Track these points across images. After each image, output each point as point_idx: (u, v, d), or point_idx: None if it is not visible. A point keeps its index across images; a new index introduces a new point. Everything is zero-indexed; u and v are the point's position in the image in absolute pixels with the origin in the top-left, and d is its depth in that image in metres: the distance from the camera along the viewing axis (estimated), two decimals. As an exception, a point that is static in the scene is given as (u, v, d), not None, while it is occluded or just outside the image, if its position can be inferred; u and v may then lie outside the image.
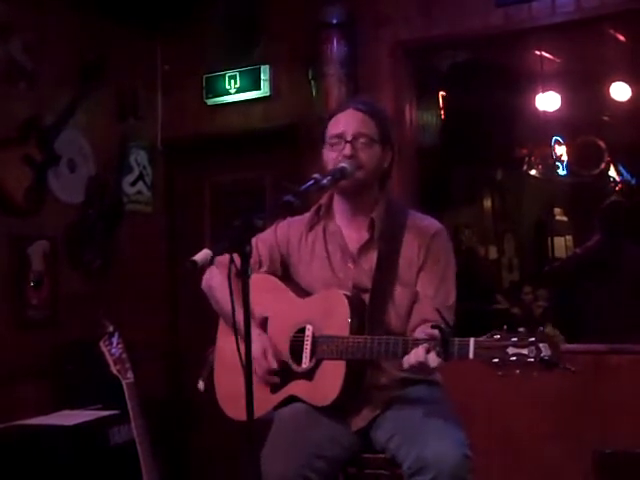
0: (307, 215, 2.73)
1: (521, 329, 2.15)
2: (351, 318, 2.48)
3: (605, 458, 2.90)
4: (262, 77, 4.91)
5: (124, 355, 3.36)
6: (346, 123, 2.58)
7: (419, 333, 2.43)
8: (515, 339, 2.12)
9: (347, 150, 2.54)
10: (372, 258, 2.59)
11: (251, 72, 4.94)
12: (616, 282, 4.47)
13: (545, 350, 2.08)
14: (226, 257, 2.11)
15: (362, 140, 2.57)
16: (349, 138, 2.55)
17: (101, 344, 3.36)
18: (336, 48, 4.51)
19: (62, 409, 3.99)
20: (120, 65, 4.85)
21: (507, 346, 2.12)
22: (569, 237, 7.56)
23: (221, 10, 5.06)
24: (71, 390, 4.25)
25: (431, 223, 2.65)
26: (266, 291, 2.65)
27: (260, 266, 2.73)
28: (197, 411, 4.89)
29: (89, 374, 3.97)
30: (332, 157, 2.58)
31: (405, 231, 2.60)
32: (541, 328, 2.15)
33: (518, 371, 2.10)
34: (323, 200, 2.72)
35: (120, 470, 3.53)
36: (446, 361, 2.23)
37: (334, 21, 4.51)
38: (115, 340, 3.37)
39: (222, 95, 5.05)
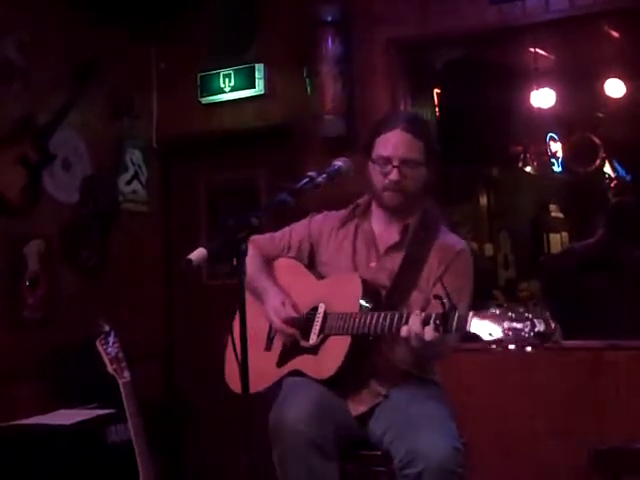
0: (343, 211, 2.83)
1: (520, 307, 2.17)
2: (362, 297, 2.55)
3: (602, 455, 2.90)
4: (257, 75, 4.90)
5: (120, 354, 3.37)
6: (395, 147, 2.61)
7: None
8: (512, 314, 2.14)
9: (394, 175, 2.60)
10: (397, 259, 2.65)
11: (246, 70, 4.93)
12: (618, 280, 4.46)
13: (539, 325, 2.10)
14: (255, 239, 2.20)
15: (409, 165, 2.61)
16: (396, 163, 2.60)
17: (97, 343, 3.36)
18: (331, 46, 4.51)
19: (59, 408, 3.98)
20: (115, 64, 4.83)
21: (503, 320, 2.14)
22: (565, 233, 7.57)
23: (216, 9, 5.05)
24: (68, 389, 4.24)
25: (456, 242, 2.72)
26: (289, 274, 2.80)
27: (288, 251, 2.85)
28: (193, 410, 4.90)
29: (85, 373, 3.96)
30: (379, 179, 2.64)
31: (434, 244, 2.65)
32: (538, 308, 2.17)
33: (512, 346, 2.12)
34: (361, 200, 2.80)
35: (117, 469, 3.53)
36: (444, 333, 2.26)
37: (329, 19, 4.52)
38: (111, 339, 3.38)
39: (217, 94, 5.04)
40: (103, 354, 3.34)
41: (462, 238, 2.84)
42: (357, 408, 2.58)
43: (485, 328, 2.16)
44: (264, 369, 2.29)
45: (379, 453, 2.52)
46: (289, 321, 2.65)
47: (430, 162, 2.67)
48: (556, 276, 4.82)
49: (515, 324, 2.12)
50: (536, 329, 2.10)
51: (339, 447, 2.47)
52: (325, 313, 2.62)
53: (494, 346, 2.14)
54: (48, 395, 4.24)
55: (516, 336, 2.11)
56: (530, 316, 2.11)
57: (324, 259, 2.79)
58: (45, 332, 4.37)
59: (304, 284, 2.75)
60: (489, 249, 6.99)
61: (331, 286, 2.68)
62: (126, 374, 3.34)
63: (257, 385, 2.14)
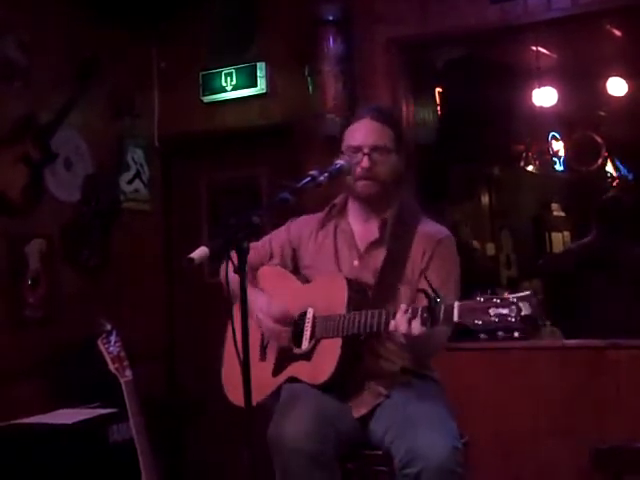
0: (320, 213, 2.82)
1: (506, 292, 2.16)
2: (349, 297, 2.54)
3: (603, 454, 2.90)
4: (258, 74, 4.89)
5: (122, 353, 3.37)
6: (364, 135, 2.63)
7: None
8: (497, 300, 2.13)
9: (365, 163, 2.60)
10: (379, 256, 2.64)
11: (247, 69, 4.93)
12: (614, 279, 4.45)
13: (525, 308, 2.09)
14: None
15: (379, 152, 2.61)
16: (366, 150, 2.60)
17: (99, 342, 3.36)
18: (332, 45, 4.51)
19: (60, 408, 3.98)
20: (116, 63, 4.83)
21: (490, 307, 2.12)
22: (567, 233, 7.56)
23: (216, 8, 5.05)
24: (69, 388, 4.24)
25: (439, 230, 2.70)
26: (274, 281, 2.78)
27: (271, 259, 2.84)
28: (194, 408, 4.90)
29: (87, 372, 3.96)
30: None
31: (415, 235, 2.64)
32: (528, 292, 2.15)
33: (501, 333, 2.10)
34: (337, 200, 2.79)
35: (119, 468, 3.52)
36: (432, 327, 2.25)
37: (330, 18, 4.51)
38: (113, 338, 3.38)
39: (218, 92, 5.04)
40: (105, 353, 3.34)
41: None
42: (359, 410, 2.57)
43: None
44: (260, 379, 2.27)
45: (380, 453, 2.51)
46: (281, 319, 2.64)
47: (400, 149, 2.67)
48: (554, 277, 4.83)
49: (501, 310, 2.11)
50: (522, 313, 2.08)
51: (340, 455, 2.46)
52: (314, 317, 2.60)
53: (482, 335, 2.14)
54: (49, 394, 4.24)
55: (503, 322, 2.10)
56: (515, 300, 2.10)
57: (307, 262, 2.78)
58: (46, 331, 4.37)
59: (290, 290, 2.74)
60: (491, 248, 6.98)
61: (317, 289, 2.67)
62: (128, 373, 3.34)
63: (255, 396, 2.13)
